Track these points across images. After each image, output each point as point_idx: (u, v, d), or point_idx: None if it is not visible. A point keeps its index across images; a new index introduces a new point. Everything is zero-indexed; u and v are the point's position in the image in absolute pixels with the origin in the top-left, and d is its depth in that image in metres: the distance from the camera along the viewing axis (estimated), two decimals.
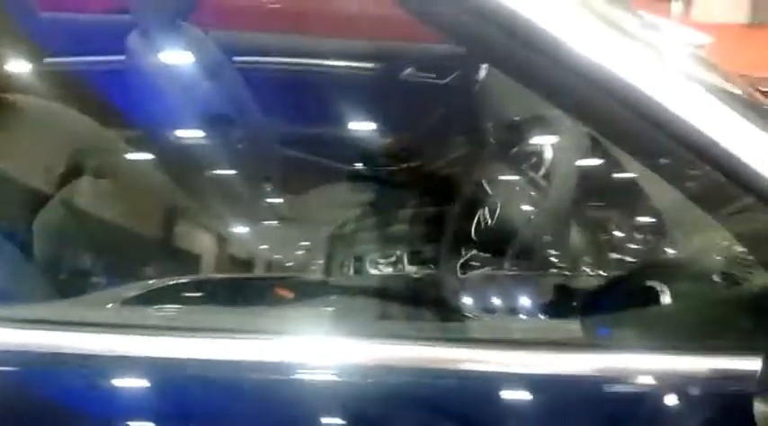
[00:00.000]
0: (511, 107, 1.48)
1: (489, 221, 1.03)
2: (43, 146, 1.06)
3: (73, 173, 1.06)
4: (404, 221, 1.36)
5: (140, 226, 1.15)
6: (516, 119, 1.29)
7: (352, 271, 1.30)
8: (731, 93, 0.90)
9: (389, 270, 1.29)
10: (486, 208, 1.05)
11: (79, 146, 1.11)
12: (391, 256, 1.30)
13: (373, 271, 1.29)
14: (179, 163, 1.28)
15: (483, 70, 1.77)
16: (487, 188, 1.10)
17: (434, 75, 1.88)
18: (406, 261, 1.29)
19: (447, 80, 1.87)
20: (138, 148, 1.22)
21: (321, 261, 1.29)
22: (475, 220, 1.07)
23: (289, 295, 1.26)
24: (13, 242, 0.92)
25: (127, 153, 1.20)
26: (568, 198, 0.93)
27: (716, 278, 0.86)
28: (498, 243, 1.00)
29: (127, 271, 1.09)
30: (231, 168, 1.37)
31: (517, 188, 1.03)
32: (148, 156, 1.24)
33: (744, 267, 0.84)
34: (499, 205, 1.02)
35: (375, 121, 1.55)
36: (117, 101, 1.26)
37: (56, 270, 0.99)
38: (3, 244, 0.91)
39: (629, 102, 0.75)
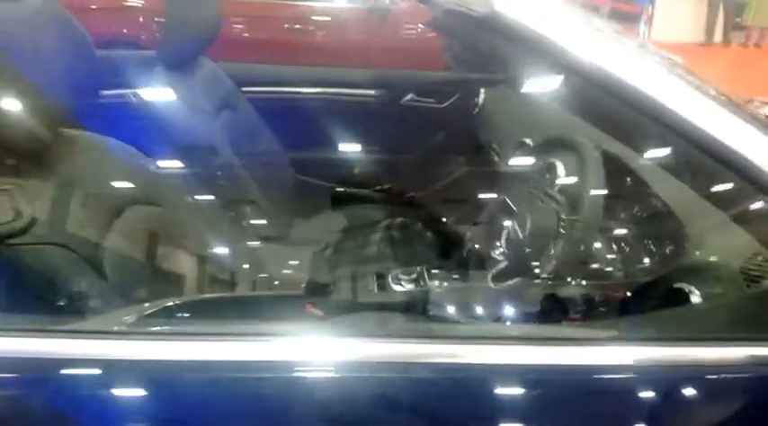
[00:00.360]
0: (512, 128, 1.57)
1: (520, 234, 1.11)
2: (99, 177, 1.12)
3: (125, 200, 1.12)
4: (425, 239, 1.43)
5: (184, 248, 1.20)
6: (527, 140, 1.38)
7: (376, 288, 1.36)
8: (734, 104, 1.01)
9: (411, 286, 1.36)
10: (516, 223, 1.12)
11: (126, 175, 1.17)
12: (413, 272, 1.37)
13: (397, 287, 1.36)
14: (210, 189, 1.34)
15: (480, 95, 1.88)
16: (512, 204, 1.18)
17: (434, 100, 1.98)
18: (426, 277, 1.35)
19: (446, 104, 1.96)
20: (174, 176, 1.28)
21: (349, 280, 1.36)
22: (504, 234, 1.14)
23: (318, 313, 1.32)
24: (86, 264, 0.99)
25: (166, 180, 1.26)
26: (600, 211, 1.01)
27: (737, 277, 0.95)
28: (530, 254, 1.08)
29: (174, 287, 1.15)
30: (257, 192, 1.43)
31: (541, 202, 1.11)
32: (183, 183, 1.30)
33: (761, 265, 0.93)
34: (529, 219, 1.10)
35: (387, 145, 1.63)
36: (154, 132, 1.32)
37: (123, 286, 1.05)
38: (76, 266, 0.97)
39: (650, 111, 0.87)
